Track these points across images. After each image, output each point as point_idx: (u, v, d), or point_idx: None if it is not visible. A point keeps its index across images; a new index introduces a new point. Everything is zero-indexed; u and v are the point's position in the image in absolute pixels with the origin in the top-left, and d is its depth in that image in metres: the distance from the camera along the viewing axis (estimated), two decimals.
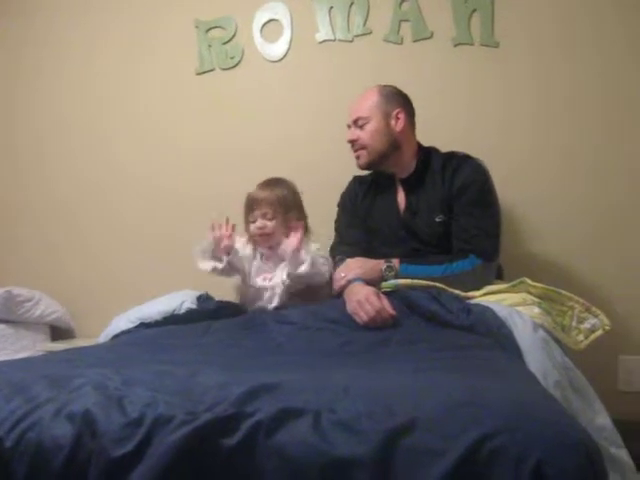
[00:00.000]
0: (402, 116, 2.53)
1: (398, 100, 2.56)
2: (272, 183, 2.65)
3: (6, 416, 1.34)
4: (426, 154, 2.56)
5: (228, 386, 1.30)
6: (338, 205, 2.75)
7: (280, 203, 2.59)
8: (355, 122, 2.55)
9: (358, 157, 2.57)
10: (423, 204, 2.48)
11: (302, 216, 2.65)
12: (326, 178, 3.02)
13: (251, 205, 2.63)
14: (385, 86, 2.58)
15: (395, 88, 2.58)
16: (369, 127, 2.52)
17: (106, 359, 1.88)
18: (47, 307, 3.43)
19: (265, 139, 3.27)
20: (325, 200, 2.79)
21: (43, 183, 3.66)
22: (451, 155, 2.54)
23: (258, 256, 2.69)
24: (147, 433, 1.20)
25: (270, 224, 2.59)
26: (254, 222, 2.62)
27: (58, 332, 3.57)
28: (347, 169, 2.76)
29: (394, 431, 1.11)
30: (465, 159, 2.49)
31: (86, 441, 1.23)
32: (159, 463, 1.14)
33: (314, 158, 3.17)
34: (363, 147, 2.54)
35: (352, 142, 2.56)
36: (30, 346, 3.32)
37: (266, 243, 2.64)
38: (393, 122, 2.52)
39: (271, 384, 1.30)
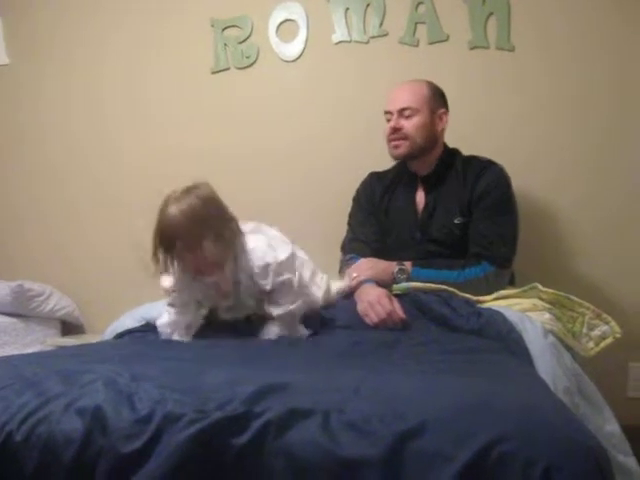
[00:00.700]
0: (445, 118, 2.56)
1: (443, 100, 2.58)
2: (181, 200, 2.06)
3: (17, 410, 1.34)
4: (449, 154, 2.56)
5: (238, 385, 1.30)
6: (353, 199, 2.74)
7: (206, 227, 2.05)
8: (401, 111, 2.51)
9: (397, 147, 2.52)
10: (442, 204, 2.49)
11: (226, 225, 2.11)
12: (341, 178, 3.03)
13: (169, 242, 2.04)
14: (431, 82, 2.58)
15: (439, 87, 2.59)
16: (416, 119, 2.50)
17: (116, 355, 1.88)
18: (58, 302, 3.44)
19: (279, 139, 3.27)
20: (340, 201, 2.79)
21: (52, 180, 3.67)
22: (474, 158, 2.55)
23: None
24: (156, 430, 1.20)
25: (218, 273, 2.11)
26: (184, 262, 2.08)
27: (68, 327, 3.58)
28: (362, 169, 2.76)
29: (403, 433, 1.11)
30: (489, 164, 2.50)
31: (96, 437, 1.23)
32: (168, 461, 1.15)
33: (329, 159, 3.17)
34: (405, 137, 2.50)
35: (395, 130, 2.52)
36: (40, 340, 3.34)
37: (225, 296, 2.18)
38: (437, 121, 2.53)
39: (280, 384, 1.30)
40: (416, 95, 2.52)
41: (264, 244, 2.14)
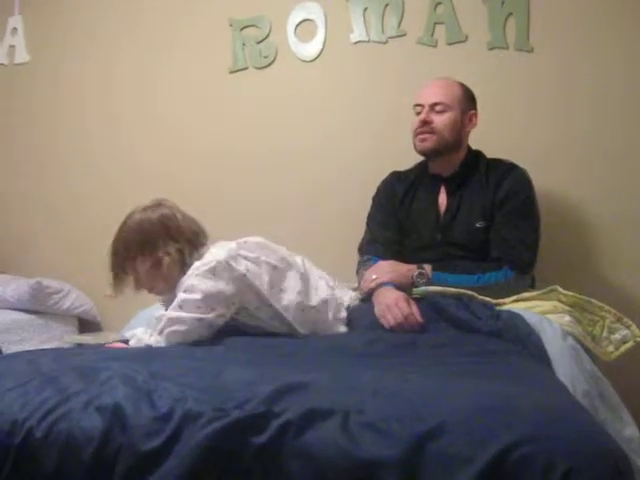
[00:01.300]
0: (474, 120, 2.55)
1: (474, 102, 2.58)
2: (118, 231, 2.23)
3: (37, 407, 1.35)
4: (473, 156, 2.56)
5: (257, 384, 1.31)
6: (373, 199, 2.72)
7: (130, 249, 2.16)
8: (433, 106, 2.49)
9: (424, 140, 2.50)
10: (464, 207, 2.47)
11: (164, 244, 2.15)
12: (359, 179, 3.02)
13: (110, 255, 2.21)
14: (463, 84, 2.57)
15: (470, 89, 2.59)
16: (447, 116, 2.48)
17: (133, 353, 1.89)
18: (75, 299, 3.46)
19: (297, 139, 3.27)
20: (358, 201, 2.78)
21: (64, 178, 3.70)
22: (498, 161, 2.54)
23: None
24: (176, 428, 1.21)
25: (145, 282, 2.19)
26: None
27: (85, 324, 3.60)
28: (380, 169, 2.75)
29: (422, 435, 1.11)
30: (512, 167, 2.49)
31: (116, 434, 1.24)
32: (187, 459, 1.15)
33: (347, 159, 3.17)
34: (433, 132, 2.48)
35: (425, 123, 2.49)
36: (58, 337, 3.36)
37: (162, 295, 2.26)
38: (466, 121, 2.53)
39: (300, 383, 1.30)
40: (449, 92, 2.51)
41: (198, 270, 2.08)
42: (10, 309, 3.36)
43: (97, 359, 1.71)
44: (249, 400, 1.23)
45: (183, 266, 2.13)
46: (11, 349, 2.95)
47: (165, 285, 2.17)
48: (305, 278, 2.25)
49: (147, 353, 1.83)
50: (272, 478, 1.15)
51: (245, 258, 2.14)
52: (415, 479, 1.08)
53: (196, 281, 2.03)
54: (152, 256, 2.13)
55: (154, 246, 2.14)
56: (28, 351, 2.22)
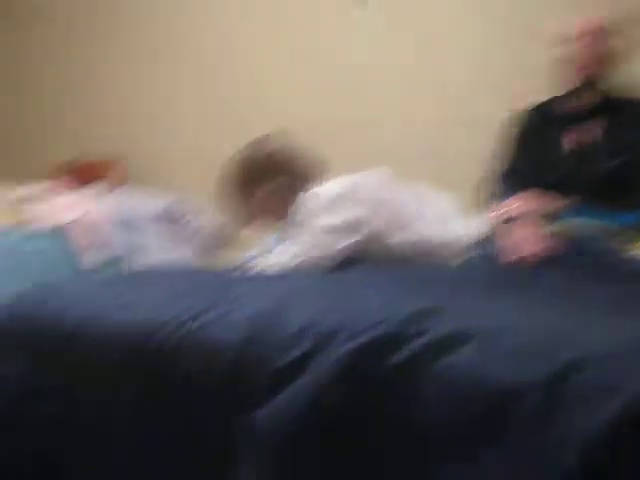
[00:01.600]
0: (621, 57, 2.45)
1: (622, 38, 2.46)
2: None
3: (170, 318, 1.39)
4: (610, 94, 2.45)
5: (392, 306, 1.30)
6: (505, 133, 2.63)
7: (242, 182, 2.30)
8: (589, 36, 2.42)
9: (579, 68, 2.43)
10: (599, 145, 2.38)
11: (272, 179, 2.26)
12: (491, 110, 2.92)
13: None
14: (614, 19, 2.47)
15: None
16: (601, 48, 2.41)
17: (266, 275, 1.92)
18: (206, 219, 3.51)
19: (431, 56, 3.24)
20: (489, 133, 2.71)
21: (196, 100, 3.78)
22: (635, 98, 2.44)
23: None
24: (311, 346, 1.21)
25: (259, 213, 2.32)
26: None
27: (215, 245, 3.66)
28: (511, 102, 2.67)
29: (566, 364, 1.07)
30: None
31: (251, 348, 1.25)
32: (323, 375, 1.15)
33: (480, 88, 3.11)
34: (588, 62, 2.41)
35: (583, 53, 2.42)
36: (191, 256, 3.43)
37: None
38: (615, 57, 2.44)
39: (436, 307, 1.28)
40: (604, 26, 2.42)
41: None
42: (140, 228, 3.45)
43: (228, 279, 1.75)
44: (385, 321, 1.22)
45: (296, 198, 2.16)
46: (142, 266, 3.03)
47: (279, 216, 2.24)
48: (422, 213, 2.21)
49: (279, 276, 1.85)
50: (406, 401, 1.13)
51: (358, 195, 2.12)
52: (557, 408, 1.03)
53: (318, 212, 2.06)
54: (264, 188, 2.24)
55: (267, 179, 2.24)
56: (159, 268, 2.30)
